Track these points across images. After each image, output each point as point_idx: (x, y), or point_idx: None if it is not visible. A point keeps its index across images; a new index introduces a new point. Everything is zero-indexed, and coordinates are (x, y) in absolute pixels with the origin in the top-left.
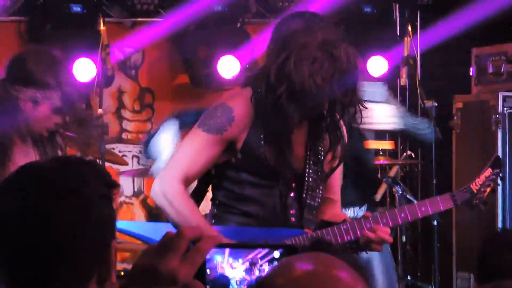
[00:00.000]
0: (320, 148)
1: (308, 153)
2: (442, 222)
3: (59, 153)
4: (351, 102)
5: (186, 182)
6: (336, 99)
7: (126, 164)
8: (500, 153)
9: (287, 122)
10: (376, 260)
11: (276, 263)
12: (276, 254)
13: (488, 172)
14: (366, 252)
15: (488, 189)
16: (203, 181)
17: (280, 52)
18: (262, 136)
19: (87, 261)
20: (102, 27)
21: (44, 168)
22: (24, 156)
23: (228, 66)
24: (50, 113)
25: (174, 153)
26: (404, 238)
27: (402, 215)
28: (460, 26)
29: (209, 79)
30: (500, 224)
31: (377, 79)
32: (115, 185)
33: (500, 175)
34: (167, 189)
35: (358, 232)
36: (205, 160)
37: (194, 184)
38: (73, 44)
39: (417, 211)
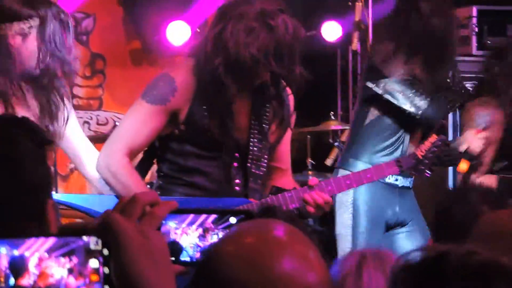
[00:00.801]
0: (264, 117)
1: (252, 122)
2: None
3: (64, 103)
4: (293, 72)
5: (131, 154)
6: (277, 70)
7: None
8: (450, 118)
9: (226, 92)
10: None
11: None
12: (233, 220)
13: (433, 138)
14: (308, 219)
15: (434, 155)
16: (148, 153)
17: (218, 22)
18: (205, 107)
19: (23, 224)
20: None
21: None
22: (25, 110)
23: (178, 32)
24: (40, 43)
25: (118, 125)
26: None
27: (348, 182)
28: None
29: (160, 44)
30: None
31: (331, 43)
32: (47, 142)
33: (446, 141)
34: (111, 162)
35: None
36: (149, 131)
37: (140, 157)
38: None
39: (362, 178)
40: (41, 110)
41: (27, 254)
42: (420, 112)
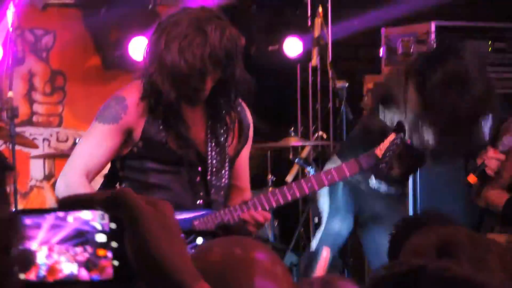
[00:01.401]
0: (221, 130)
1: (209, 135)
2: None
3: None
4: (234, 77)
5: (88, 175)
6: (222, 77)
7: (36, 147)
8: None
9: (168, 101)
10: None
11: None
12: (199, 240)
13: (391, 136)
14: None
15: (393, 153)
16: (110, 176)
17: (155, 32)
18: (159, 122)
19: None
20: (12, 9)
21: None
22: None
23: (140, 48)
24: None
25: (75, 147)
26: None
27: (309, 185)
28: (371, 7)
29: (121, 61)
30: (411, 213)
31: (292, 60)
32: (7, 168)
33: (404, 139)
34: (70, 183)
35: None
36: (105, 151)
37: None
38: None
39: (323, 179)
40: None
41: (34, 246)
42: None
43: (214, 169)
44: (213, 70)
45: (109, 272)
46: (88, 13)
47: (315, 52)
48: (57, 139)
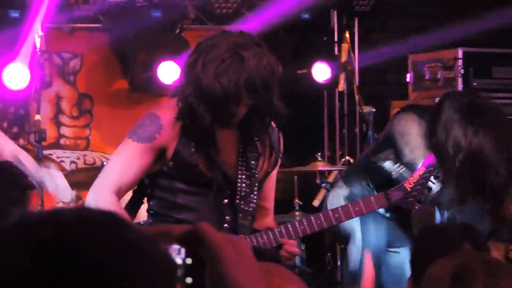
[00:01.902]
0: (252, 154)
1: (240, 159)
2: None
3: None
4: (271, 105)
5: (119, 193)
6: (258, 104)
7: (64, 170)
8: None
9: (203, 124)
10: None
11: None
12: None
13: (421, 170)
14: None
15: (422, 187)
16: (138, 192)
17: (192, 54)
18: (192, 143)
19: None
20: (39, 33)
21: None
22: None
23: (168, 72)
24: None
25: (106, 164)
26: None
27: (336, 216)
28: (398, 33)
29: (149, 84)
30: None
31: (320, 84)
32: (29, 187)
33: (435, 173)
34: (99, 201)
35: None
36: (137, 170)
37: (129, 196)
38: (11, 49)
39: (350, 211)
40: None
41: None
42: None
43: (242, 193)
44: (247, 96)
45: None
46: (115, 37)
47: (342, 77)
48: (84, 162)
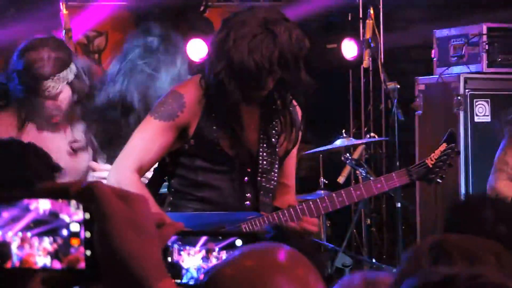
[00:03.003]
0: (273, 131)
1: (261, 136)
2: (407, 204)
3: None
4: (298, 82)
5: (140, 171)
6: (282, 79)
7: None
8: (462, 134)
9: (232, 100)
10: None
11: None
12: (238, 242)
13: (443, 146)
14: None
15: (444, 164)
16: (158, 170)
17: (221, 30)
18: (214, 120)
19: None
20: (64, 11)
21: None
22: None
23: (197, 49)
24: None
25: (128, 142)
26: (369, 221)
27: (358, 193)
28: (423, 9)
29: None
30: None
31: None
32: (57, 169)
33: (456, 149)
34: (121, 179)
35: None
36: (158, 147)
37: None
38: (35, 27)
39: (372, 188)
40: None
41: (9, 235)
42: None
43: (264, 171)
44: (279, 71)
45: (81, 262)
46: (139, 14)
47: (366, 54)
48: None
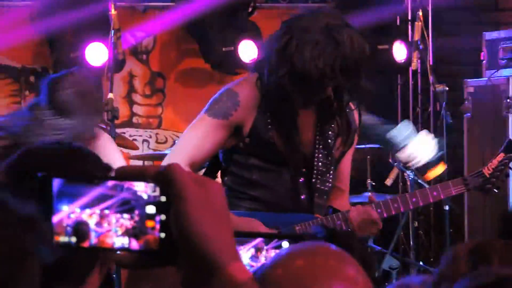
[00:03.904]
0: (330, 133)
1: (317, 137)
2: (454, 207)
3: None
4: (357, 88)
5: (192, 167)
6: (341, 84)
7: (136, 148)
8: (510, 137)
9: (292, 104)
10: None
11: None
12: (285, 244)
13: (500, 156)
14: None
15: (501, 174)
16: (211, 167)
17: (283, 35)
18: (269, 120)
19: None
20: (113, 11)
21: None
22: None
23: (248, 50)
24: None
25: (180, 138)
26: (416, 224)
27: (413, 200)
28: (471, 11)
29: (227, 60)
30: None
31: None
32: (110, 169)
33: None
34: None
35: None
36: (211, 145)
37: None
38: (85, 28)
39: (428, 195)
40: None
41: (87, 212)
42: None
43: (319, 172)
44: (340, 78)
45: (155, 244)
46: (187, 15)
47: (415, 56)
48: (156, 141)
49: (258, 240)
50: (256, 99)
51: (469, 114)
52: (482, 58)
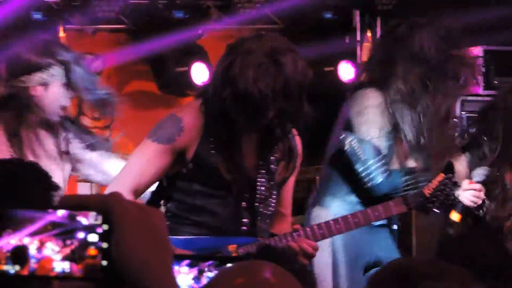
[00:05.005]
0: (272, 158)
1: (260, 162)
2: (403, 226)
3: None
4: (300, 111)
5: (136, 193)
6: (283, 107)
7: None
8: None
9: (235, 129)
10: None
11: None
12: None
13: (440, 177)
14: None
15: (441, 193)
16: (156, 193)
17: (226, 57)
18: (212, 145)
19: None
20: (62, 34)
21: None
22: (39, 155)
23: (200, 72)
24: (61, 89)
25: (124, 164)
26: None
27: (356, 220)
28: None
29: (178, 83)
30: None
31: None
32: (55, 188)
33: (453, 180)
34: None
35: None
36: (155, 170)
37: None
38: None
39: (370, 216)
40: (59, 153)
41: (26, 240)
42: (369, 184)
43: (262, 197)
44: (282, 101)
45: (98, 272)
46: (138, 38)
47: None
48: None
49: (202, 262)
50: (200, 124)
51: None
52: None
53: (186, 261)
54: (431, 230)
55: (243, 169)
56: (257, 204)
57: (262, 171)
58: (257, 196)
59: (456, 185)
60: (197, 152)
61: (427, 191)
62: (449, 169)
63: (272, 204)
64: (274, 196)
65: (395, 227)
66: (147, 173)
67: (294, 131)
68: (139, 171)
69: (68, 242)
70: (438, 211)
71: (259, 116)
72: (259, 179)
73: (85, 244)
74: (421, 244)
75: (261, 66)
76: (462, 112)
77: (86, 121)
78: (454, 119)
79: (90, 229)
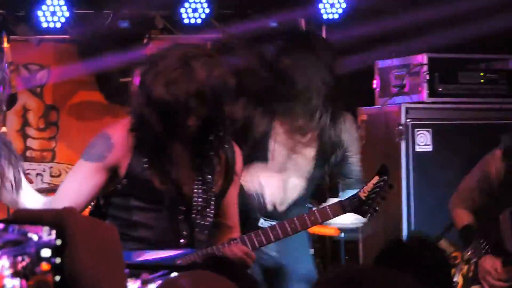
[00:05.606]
0: (206, 169)
1: (195, 173)
2: (349, 236)
3: None
4: (221, 119)
5: None
6: (202, 114)
7: (31, 182)
8: (403, 164)
9: (163, 140)
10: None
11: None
12: (173, 275)
13: (375, 179)
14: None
15: (377, 196)
16: (94, 212)
17: (143, 65)
18: (145, 159)
19: None
20: (6, 45)
21: None
22: None
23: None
24: None
25: (60, 185)
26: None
27: (292, 226)
28: (365, 40)
29: (117, 95)
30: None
31: None
32: None
33: (388, 182)
34: None
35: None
36: (89, 189)
37: None
38: None
39: (306, 221)
40: None
41: None
42: None
43: (199, 208)
44: (198, 107)
45: (50, 287)
46: (83, 48)
47: None
48: (50, 174)
49: (148, 273)
50: (131, 139)
51: (363, 141)
52: (374, 86)
53: (130, 272)
54: (377, 238)
55: (176, 180)
56: (194, 215)
57: (198, 182)
58: (194, 207)
59: (391, 187)
60: (130, 167)
61: (362, 194)
62: (384, 171)
63: (211, 215)
64: (213, 207)
65: (342, 235)
66: (83, 192)
67: (232, 141)
68: (75, 190)
69: (19, 258)
70: (374, 214)
71: (178, 123)
72: (195, 190)
73: (37, 259)
74: (368, 253)
75: (174, 71)
76: (407, 120)
77: (32, 132)
78: (400, 127)
79: (42, 244)
